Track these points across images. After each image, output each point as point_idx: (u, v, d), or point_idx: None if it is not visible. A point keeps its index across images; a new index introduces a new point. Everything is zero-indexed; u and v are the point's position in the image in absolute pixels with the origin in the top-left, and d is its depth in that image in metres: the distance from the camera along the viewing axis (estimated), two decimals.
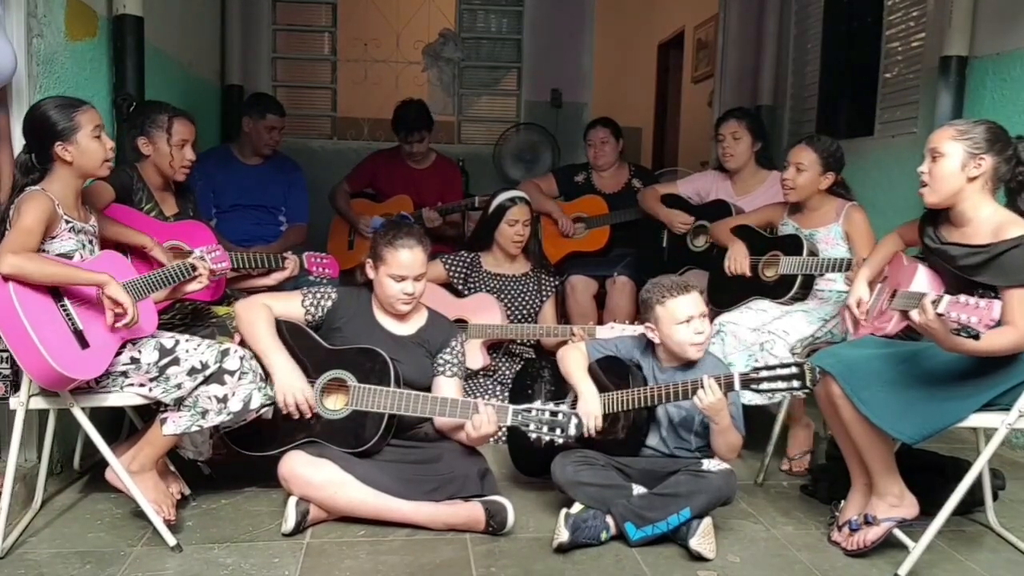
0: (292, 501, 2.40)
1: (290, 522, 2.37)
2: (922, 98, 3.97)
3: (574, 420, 2.34)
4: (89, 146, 2.29)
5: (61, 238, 2.27)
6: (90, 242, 2.37)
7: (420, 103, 4.50)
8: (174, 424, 2.32)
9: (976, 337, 1.96)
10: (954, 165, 2.23)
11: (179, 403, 2.31)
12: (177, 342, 2.34)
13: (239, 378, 2.33)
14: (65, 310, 2.19)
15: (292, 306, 2.63)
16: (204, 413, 2.31)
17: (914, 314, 2.08)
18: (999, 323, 1.97)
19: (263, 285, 3.07)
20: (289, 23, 5.84)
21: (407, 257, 2.55)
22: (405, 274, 2.55)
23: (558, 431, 2.34)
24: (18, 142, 2.53)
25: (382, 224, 2.71)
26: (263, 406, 2.40)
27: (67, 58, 2.84)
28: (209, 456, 2.67)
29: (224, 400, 2.31)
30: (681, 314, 2.45)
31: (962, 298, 1.97)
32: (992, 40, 3.54)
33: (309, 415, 2.46)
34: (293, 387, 2.44)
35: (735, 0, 5.74)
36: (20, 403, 2.25)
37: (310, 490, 2.40)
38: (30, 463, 2.57)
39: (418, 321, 2.68)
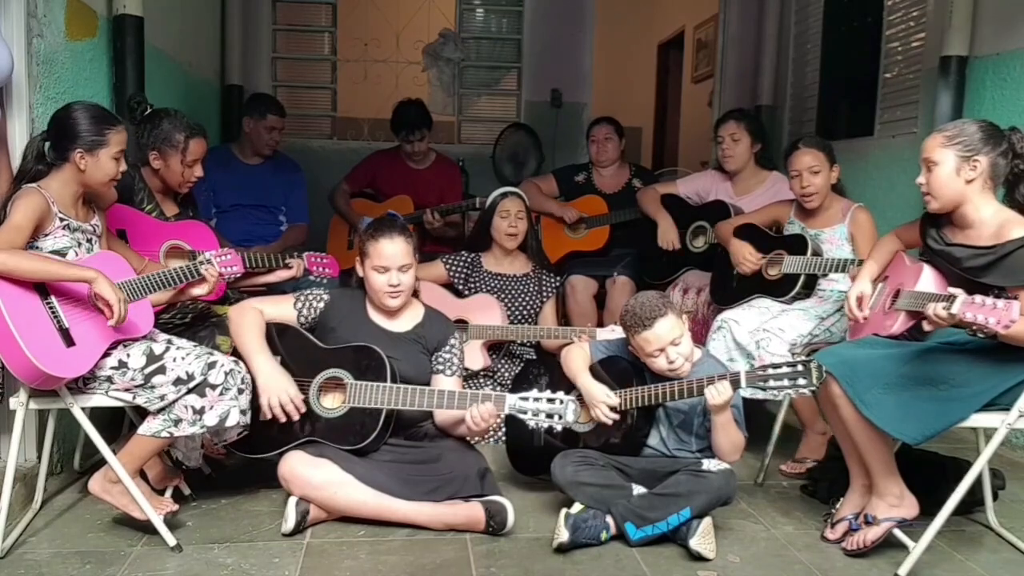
0: (292, 501, 2.40)
1: (290, 522, 2.37)
2: (922, 98, 3.97)
3: (571, 406, 2.34)
4: (106, 164, 2.32)
5: (54, 235, 2.27)
6: (88, 240, 2.37)
7: (419, 102, 4.51)
8: (147, 426, 2.32)
9: (994, 338, 1.95)
10: (948, 171, 2.23)
11: (159, 409, 2.31)
12: (167, 348, 2.33)
13: (220, 393, 2.31)
14: (51, 307, 2.19)
15: (285, 309, 2.63)
16: (177, 422, 2.30)
17: (930, 319, 2.06)
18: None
19: (266, 282, 3.07)
20: (289, 23, 5.85)
21: (388, 248, 2.55)
22: (387, 265, 2.55)
23: (556, 417, 2.34)
24: (17, 143, 2.53)
25: (367, 225, 2.71)
26: (240, 425, 2.38)
27: (67, 58, 2.83)
28: (197, 465, 2.66)
29: (200, 412, 2.29)
30: (649, 348, 2.43)
31: (977, 299, 1.96)
32: (992, 40, 3.54)
33: (296, 416, 2.45)
34: (276, 388, 2.43)
35: (735, 0, 5.75)
36: (20, 403, 2.25)
37: (310, 490, 2.40)
38: (30, 463, 2.57)
39: (414, 318, 2.68)
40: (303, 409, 2.46)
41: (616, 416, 2.46)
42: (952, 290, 2.05)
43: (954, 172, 2.23)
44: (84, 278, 2.20)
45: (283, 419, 2.44)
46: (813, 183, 3.04)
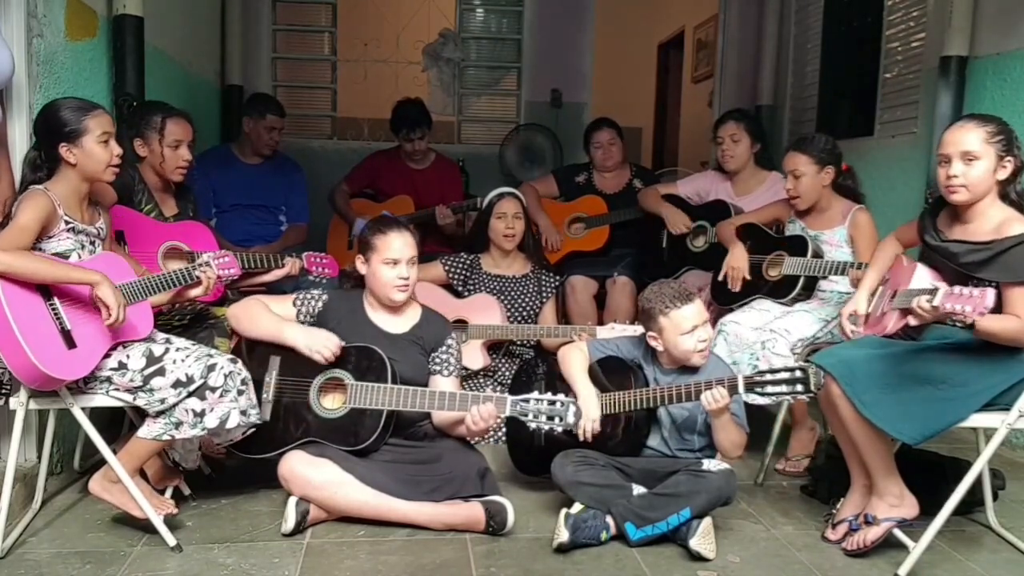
0: (292, 501, 2.40)
1: (290, 522, 2.37)
2: (922, 98, 3.97)
3: (572, 408, 2.34)
4: (94, 151, 2.30)
5: (59, 238, 2.27)
6: (92, 243, 2.37)
7: (418, 101, 4.51)
8: (147, 429, 2.32)
9: (970, 326, 1.96)
10: (988, 168, 2.23)
11: (159, 412, 2.31)
12: (167, 349, 2.33)
13: (220, 395, 2.31)
14: (54, 309, 2.19)
15: (284, 309, 2.64)
16: (178, 424, 2.30)
17: (916, 313, 2.08)
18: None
19: (262, 282, 3.07)
20: (289, 23, 5.85)
21: (397, 241, 2.57)
22: (397, 257, 2.56)
23: (557, 420, 2.34)
24: (18, 143, 2.53)
25: (366, 224, 2.72)
26: (242, 426, 2.38)
27: (67, 58, 2.83)
28: (195, 467, 2.65)
29: (201, 415, 2.29)
30: (686, 324, 2.45)
31: (956, 289, 1.98)
32: (992, 40, 3.54)
33: (338, 355, 2.50)
34: (317, 342, 2.48)
35: (735, 0, 5.75)
36: (20, 403, 2.25)
37: (310, 490, 2.40)
38: (30, 463, 2.57)
39: (412, 318, 2.68)
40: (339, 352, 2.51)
41: (591, 435, 2.46)
42: (936, 283, 2.06)
43: (992, 169, 2.23)
44: (88, 280, 2.20)
45: (332, 360, 2.50)
46: (795, 187, 3.06)
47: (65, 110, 2.29)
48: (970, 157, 2.23)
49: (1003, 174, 2.24)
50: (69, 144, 2.27)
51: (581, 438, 2.45)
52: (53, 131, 2.28)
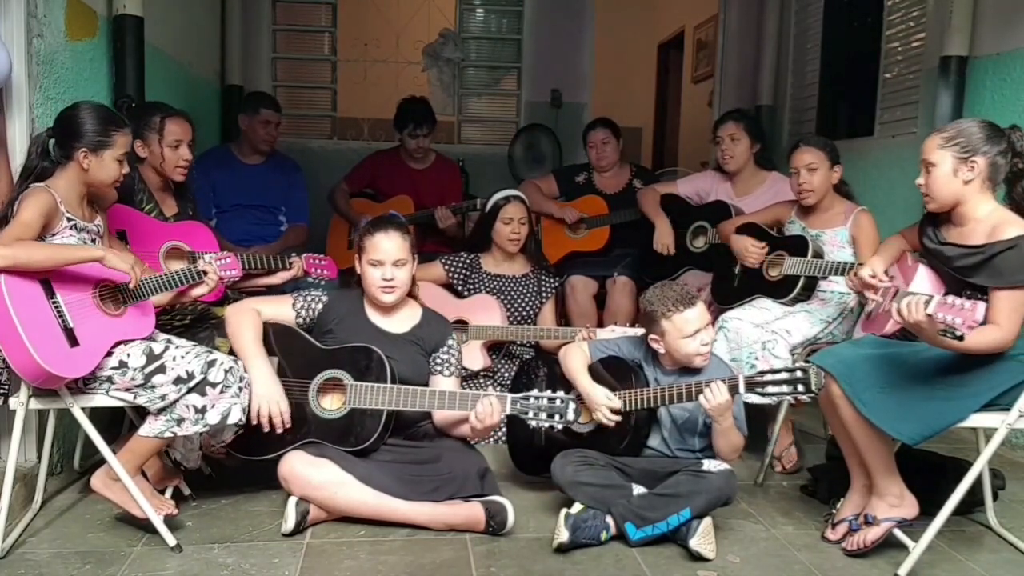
0: (292, 501, 2.40)
1: (290, 522, 2.37)
2: (922, 98, 3.97)
3: (572, 405, 2.34)
4: (110, 166, 2.33)
5: (62, 235, 2.28)
6: (93, 241, 2.38)
7: (424, 99, 4.51)
8: (149, 427, 2.32)
9: (960, 338, 1.97)
10: (946, 172, 2.23)
11: (160, 409, 2.31)
12: (167, 347, 2.33)
13: (221, 391, 2.31)
14: (57, 307, 2.19)
15: (283, 310, 2.63)
16: (180, 421, 2.30)
17: (902, 310, 2.07)
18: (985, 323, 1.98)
19: (267, 284, 3.07)
20: (289, 23, 5.86)
21: (383, 242, 2.55)
22: (382, 259, 2.55)
23: (557, 417, 2.34)
24: (18, 144, 2.53)
25: (364, 223, 2.72)
26: (237, 425, 2.38)
27: (67, 58, 2.83)
28: (196, 466, 2.65)
29: (202, 411, 2.29)
30: (689, 328, 2.45)
31: (949, 299, 1.99)
32: (992, 40, 3.54)
33: (281, 429, 2.45)
34: (269, 398, 2.43)
35: (735, 0, 5.75)
36: (20, 403, 2.25)
37: (310, 490, 2.40)
38: (30, 463, 2.57)
39: (411, 319, 2.68)
40: (288, 425, 2.45)
41: (618, 418, 2.46)
42: (933, 294, 2.06)
43: (951, 173, 2.22)
44: (93, 257, 2.22)
45: (267, 429, 2.44)
46: (809, 180, 3.04)
47: (96, 119, 2.31)
48: (927, 165, 2.26)
49: (968, 175, 2.22)
50: (89, 152, 2.29)
51: (608, 422, 2.45)
52: (78, 134, 2.29)
